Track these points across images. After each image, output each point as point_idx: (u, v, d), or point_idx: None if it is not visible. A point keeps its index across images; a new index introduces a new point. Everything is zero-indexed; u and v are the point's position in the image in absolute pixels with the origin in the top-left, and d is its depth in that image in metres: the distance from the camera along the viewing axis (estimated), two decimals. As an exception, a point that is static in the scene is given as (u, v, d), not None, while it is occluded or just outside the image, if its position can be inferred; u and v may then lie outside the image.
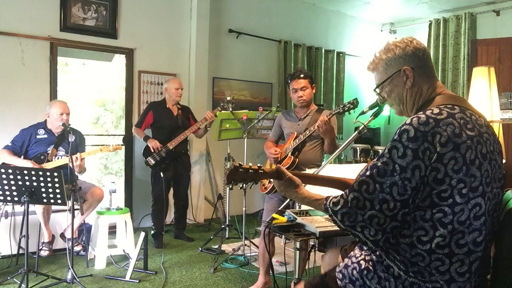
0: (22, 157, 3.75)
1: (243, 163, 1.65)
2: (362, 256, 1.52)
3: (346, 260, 1.60)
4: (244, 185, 1.68)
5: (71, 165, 3.36)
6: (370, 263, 1.46)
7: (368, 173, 1.36)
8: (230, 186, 1.64)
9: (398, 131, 1.34)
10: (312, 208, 1.68)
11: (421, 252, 1.33)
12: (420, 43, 1.52)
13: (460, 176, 1.29)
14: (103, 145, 3.83)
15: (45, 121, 3.87)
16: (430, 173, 1.29)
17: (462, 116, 1.36)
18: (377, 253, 1.44)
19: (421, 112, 1.36)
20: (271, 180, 3.15)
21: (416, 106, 1.50)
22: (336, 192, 1.52)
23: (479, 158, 1.32)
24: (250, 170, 1.63)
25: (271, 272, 3.04)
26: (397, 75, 1.49)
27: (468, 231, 1.31)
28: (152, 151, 4.33)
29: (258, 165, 1.67)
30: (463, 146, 1.30)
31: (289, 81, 3.18)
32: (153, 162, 4.36)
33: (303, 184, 1.69)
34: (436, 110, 1.36)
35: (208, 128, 4.54)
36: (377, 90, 1.57)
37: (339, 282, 1.57)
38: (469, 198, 1.30)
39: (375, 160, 1.39)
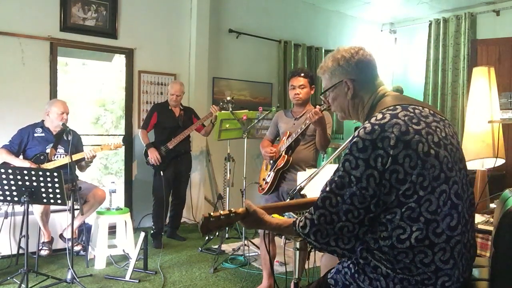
0: (21, 156, 3.74)
1: (212, 211, 1.60)
2: (352, 259, 1.52)
3: (336, 265, 1.59)
4: (220, 232, 1.65)
5: (86, 156, 3.63)
6: (359, 265, 1.47)
7: (327, 188, 1.42)
8: (207, 237, 1.61)
9: (349, 145, 1.40)
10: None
11: (403, 250, 1.35)
12: (366, 53, 1.56)
13: (417, 170, 1.32)
14: (104, 144, 3.83)
15: (42, 120, 3.86)
16: (390, 176, 1.33)
17: (406, 114, 1.40)
18: (363, 255, 1.45)
19: (367, 122, 1.41)
20: (267, 181, 3.15)
21: (362, 114, 1.57)
22: None
23: (433, 148, 1.36)
24: (221, 217, 1.59)
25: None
26: (339, 85, 1.56)
27: (440, 218, 1.34)
28: (151, 162, 4.41)
29: (229, 209, 1.62)
30: (413, 142, 1.34)
31: (289, 78, 3.20)
32: (153, 161, 4.42)
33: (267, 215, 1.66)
34: (379, 116, 1.40)
35: (213, 122, 4.53)
36: (322, 96, 1.64)
37: None
38: (433, 188, 1.33)
39: (331, 175, 1.43)
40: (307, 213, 1.47)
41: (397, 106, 1.43)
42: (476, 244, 1.53)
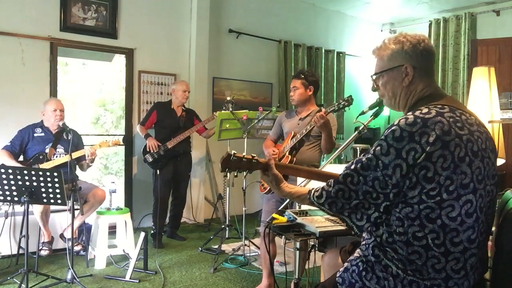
0: (22, 157, 3.75)
1: (237, 152, 1.65)
2: (361, 258, 1.52)
3: (345, 264, 1.60)
4: (239, 173, 1.70)
5: (87, 154, 3.68)
6: (369, 263, 1.47)
7: (352, 167, 1.42)
8: (225, 174, 1.66)
9: (386, 131, 1.38)
10: (313, 208, 1.69)
11: (417, 249, 1.35)
12: (430, 44, 1.51)
13: (448, 173, 1.30)
14: (102, 141, 3.84)
15: (42, 120, 3.87)
16: (419, 172, 1.31)
17: (452, 115, 1.38)
18: (375, 253, 1.45)
19: (410, 113, 1.39)
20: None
21: (408, 105, 1.52)
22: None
23: (469, 156, 1.34)
24: (243, 159, 1.64)
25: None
26: (398, 69, 1.50)
27: (462, 229, 1.33)
28: (148, 150, 4.39)
29: (252, 154, 1.68)
30: (452, 144, 1.32)
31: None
32: (150, 159, 4.43)
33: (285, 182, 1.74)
34: (424, 110, 1.38)
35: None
36: (374, 77, 1.57)
37: (339, 287, 1.57)
38: (459, 195, 1.31)
39: (361, 156, 1.44)
40: (324, 185, 1.48)
41: (445, 106, 1.40)
42: (488, 258, 1.51)
